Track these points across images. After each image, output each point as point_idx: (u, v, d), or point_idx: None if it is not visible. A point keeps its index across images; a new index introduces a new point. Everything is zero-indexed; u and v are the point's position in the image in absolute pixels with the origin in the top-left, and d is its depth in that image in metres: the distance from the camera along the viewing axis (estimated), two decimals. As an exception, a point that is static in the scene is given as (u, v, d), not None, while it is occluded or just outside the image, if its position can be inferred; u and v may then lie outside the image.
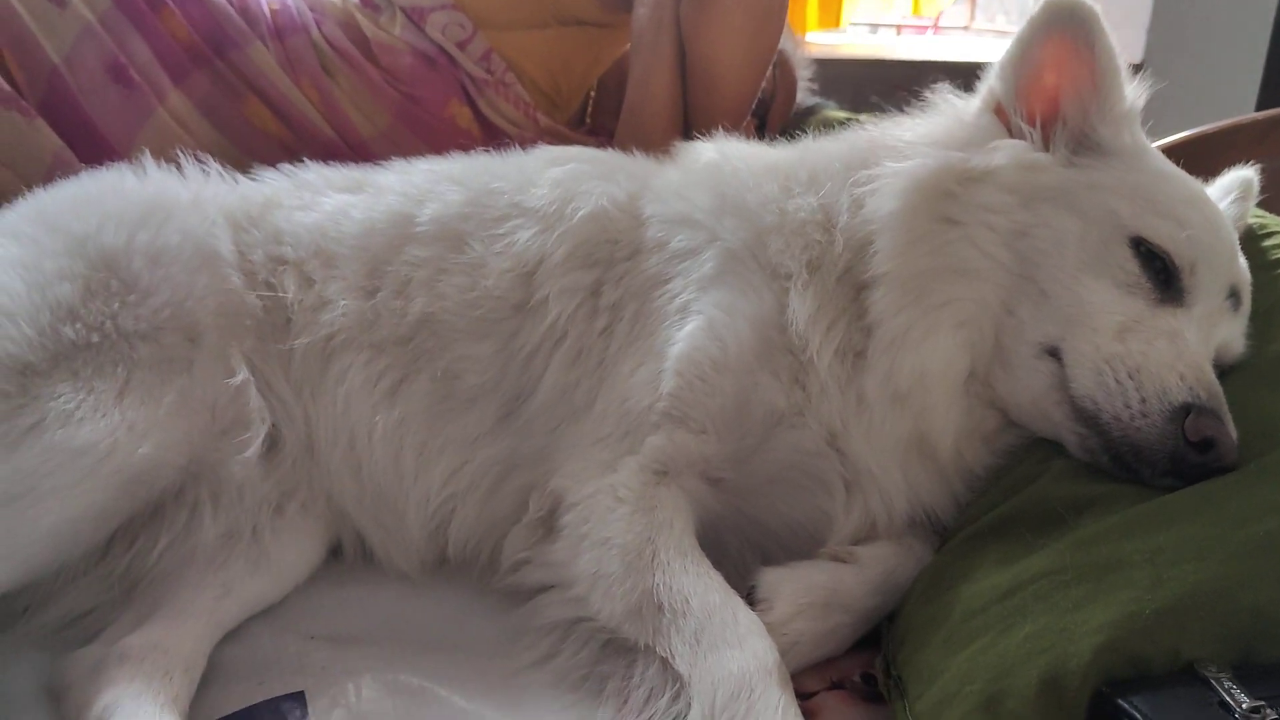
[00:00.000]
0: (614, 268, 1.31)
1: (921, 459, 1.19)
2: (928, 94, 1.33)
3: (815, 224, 1.24)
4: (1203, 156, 1.48)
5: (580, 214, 1.33)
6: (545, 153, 1.48)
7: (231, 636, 1.13)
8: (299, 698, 1.04)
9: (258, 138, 1.93)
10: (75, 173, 1.77)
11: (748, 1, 1.81)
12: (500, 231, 1.33)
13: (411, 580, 1.26)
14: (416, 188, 1.41)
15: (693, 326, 1.21)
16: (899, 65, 3.85)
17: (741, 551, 1.20)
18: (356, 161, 1.83)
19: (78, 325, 1.16)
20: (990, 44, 4.78)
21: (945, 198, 1.18)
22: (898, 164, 1.20)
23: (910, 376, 1.15)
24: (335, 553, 1.28)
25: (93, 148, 1.83)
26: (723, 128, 1.88)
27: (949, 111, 1.28)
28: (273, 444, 1.25)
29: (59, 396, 1.10)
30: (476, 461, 1.27)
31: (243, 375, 1.22)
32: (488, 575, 1.24)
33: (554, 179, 1.38)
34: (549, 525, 1.20)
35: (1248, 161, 1.41)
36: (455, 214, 1.36)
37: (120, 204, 1.29)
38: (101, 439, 1.09)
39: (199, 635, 1.11)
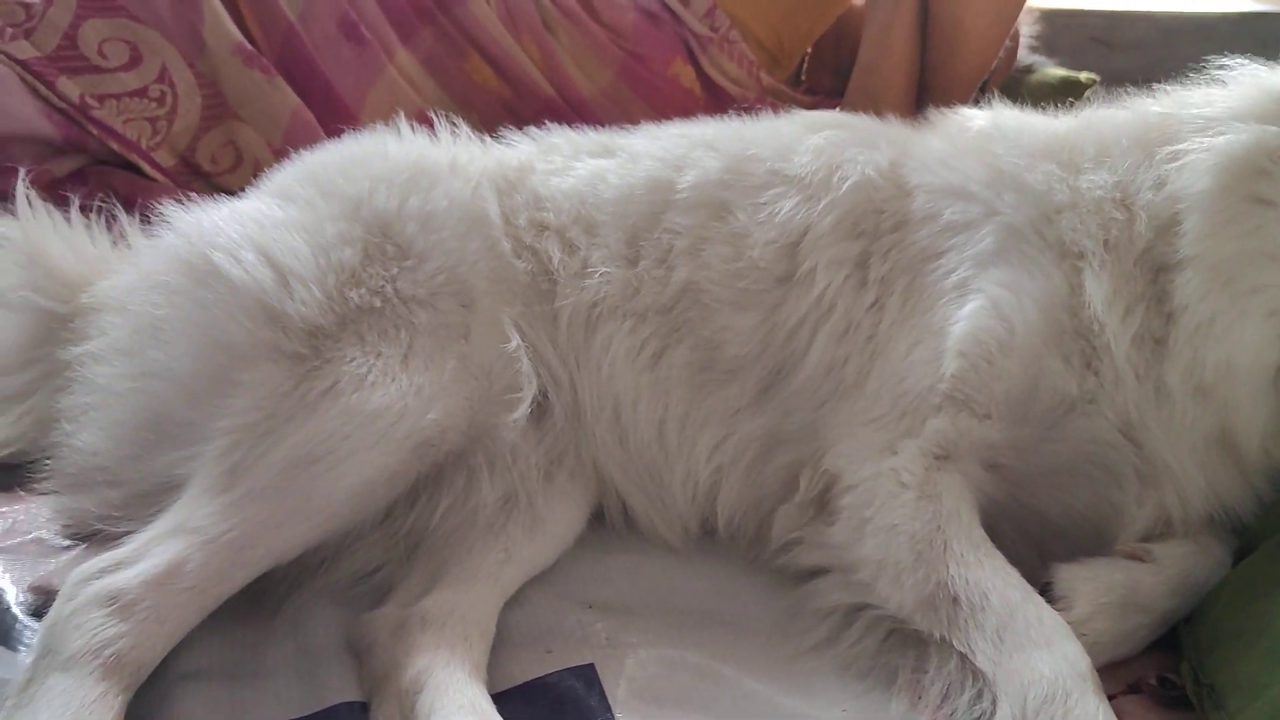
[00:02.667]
0: (880, 239, 1.27)
1: (1223, 455, 1.12)
2: (1220, 62, 1.24)
3: (1112, 201, 1.17)
4: None
5: (847, 183, 1.28)
6: (800, 118, 1.44)
7: (512, 602, 1.15)
8: (589, 671, 1.05)
9: (479, 95, 1.94)
10: (311, 130, 1.83)
11: None
12: (762, 200, 1.30)
13: (676, 551, 1.26)
14: (671, 154, 1.38)
15: (975, 305, 1.16)
16: (1095, 15, 3.64)
17: (1016, 542, 1.16)
18: (577, 120, 1.83)
19: (361, 290, 1.18)
20: (1192, -10, 4.49)
21: (1259, 176, 1.09)
22: (1208, 139, 1.12)
23: (1216, 368, 1.08)
24: (596, 518, 1.28)
25: (326, 105, 1.87)
26: (960, 89, 1.81)
27: (1254, 81, 1.19)
28: (541, 410, 1.26)
29: (350, 360, 1.13)
30: (738, 435, 1.25)
31: (515, 341, 1.23)
32: (755, 550, 1.23)
33: (815, 146, 1.33)
34: (821, 505, 1.17)
35: None
36: (715, 181, 1.33)
37: (387, 168, 1.30)
38: (393, 403, 1.10)
39: (488, 600, 1.12)
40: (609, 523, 1.29)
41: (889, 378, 1.18)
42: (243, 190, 1.80)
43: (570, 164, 1.40)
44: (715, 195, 1.32)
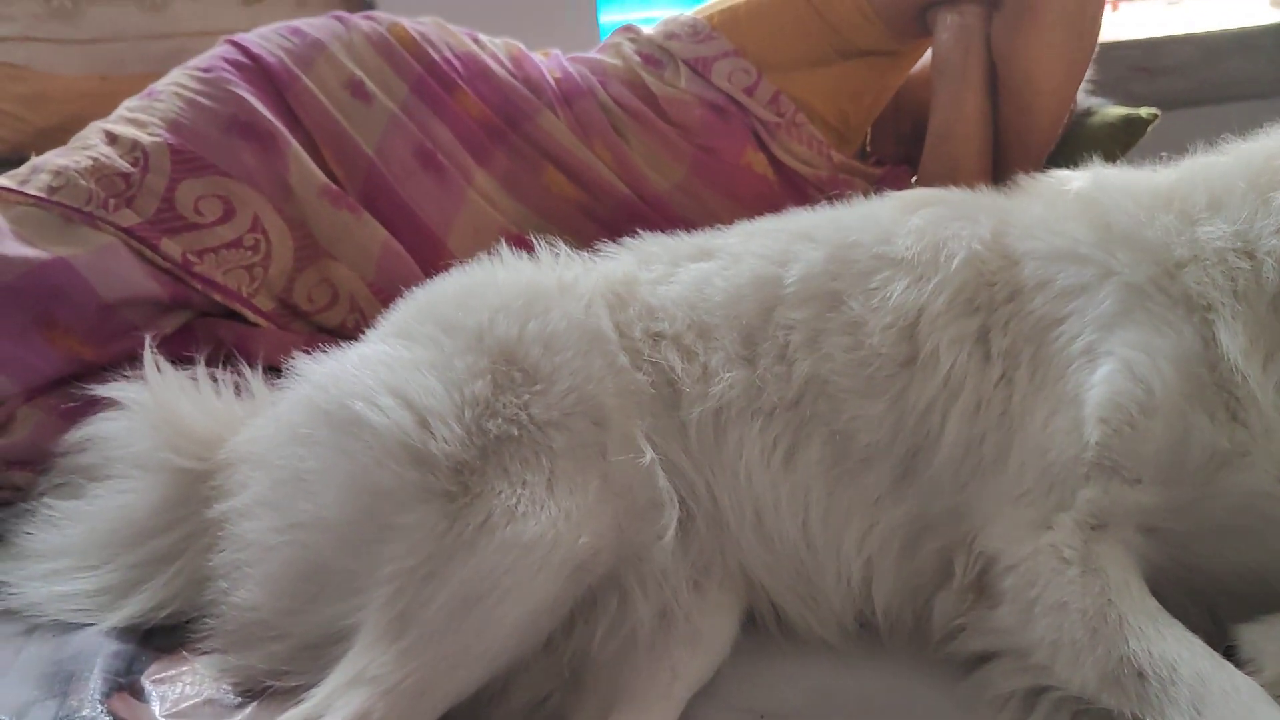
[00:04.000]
0: (996, 312, 1.27)
1: (1393, 494, 1.10)
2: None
3: (1234, 251, 1.16)
4: None
5: (955, 260, 1.29)
6: (894, 199, 1.46)
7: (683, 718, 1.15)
8: (776, 781, 1.04)
9: (557, 204, 1.98)
10: (402, 260, 1.88)
11: (1068, 16, 1.74)
12: (872, 286, 1.31)
13: (835, 649, 1.25)
14: (771, 249, 1.40)
15: (1108, 369, 1.15)
16: (1130, 45, 3.66)
17: (1185, 606, 1.14)
18: (656, 216, 1.86)
19: (497, 420, 1.20)
20: (1223, 8, 4.49)
21: None
22: (1324, 178, 1.12)
23: None
24: (748, 623, 1.28)
25: (413, 234, 1.92)
26: (1038, 147, 1.82)
27: None
28: (683, 522, 1.26)
29: (499, 493, 1.14)
30: (883, 523, 1.25)
31: (650, 454, 1.24)
32: (918, 641, 1.22)
33: (915, 227, 1.35)
34: (980, 589, 1.16)
35: None
36: (821, 272, 1.34)
37: (500, 296, 1.34)
38: (546, 531, 1.12)
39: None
40: (761, 627, 1.28)
41: (1030, 452, 1.18)
42: (342, 325, 1.89)
43: (673, 271, 1.43)
44: (824, 286, 1.33)
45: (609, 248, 1.52)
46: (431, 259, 1.88)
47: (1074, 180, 1.36)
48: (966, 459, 1.22)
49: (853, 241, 1.37)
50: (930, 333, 1.27)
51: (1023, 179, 1.44)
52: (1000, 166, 1.85)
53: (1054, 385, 1.20)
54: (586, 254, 1.52)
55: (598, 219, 1.95)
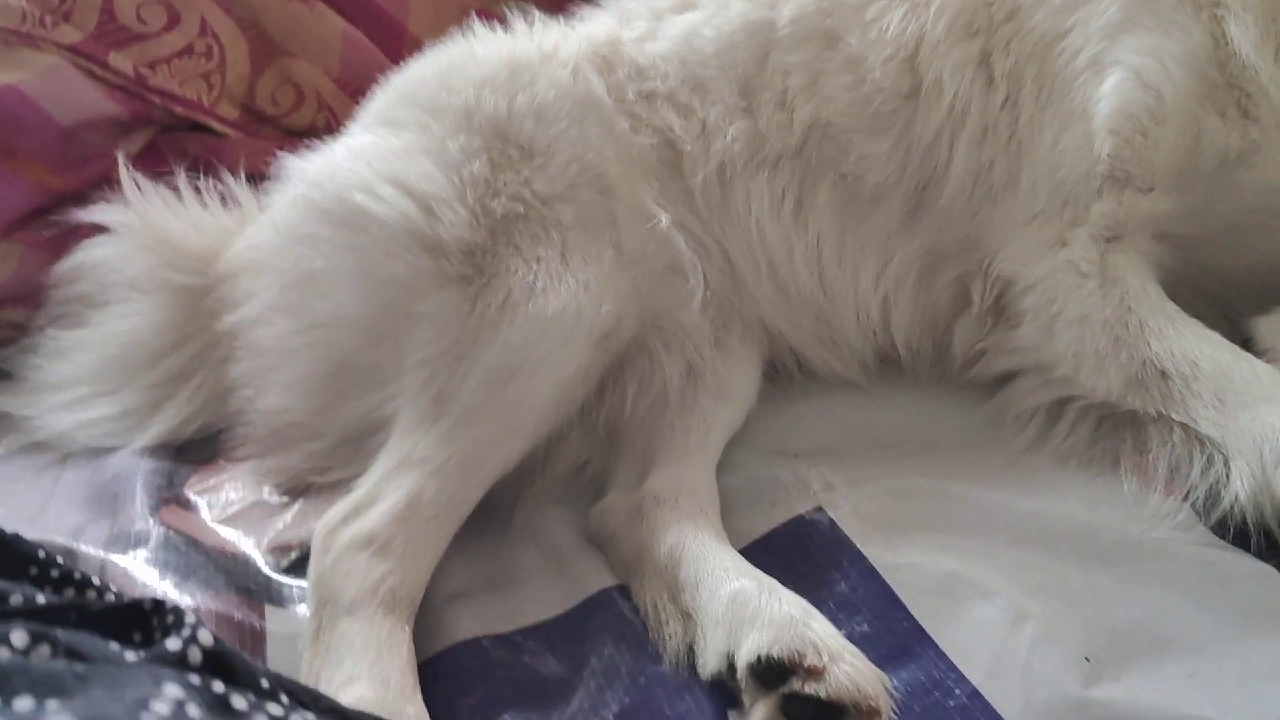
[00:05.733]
0: (996, 33, 1.23)
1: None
2: None
3: (1245, -59, 1.12)
4: None
5: None
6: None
7: (721, 468, 1.18)
8: (820, 514, 1.08)
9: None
10: (366, 50, 1.80)
11: None
12: (869, 18, 1.26)
13: (859, 387, 1.28)
14: (758, -9, 1.34)
15: (1116, 79, 1.13)
16: None
17: (1199, 306, 1.16)
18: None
19: (500, 198, 1.18)
20: None
21: None
22: None
23: None
24: (770, 372, 1.30)
25: (371, 21, 1.83)
26: None
27: None
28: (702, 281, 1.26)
29: (515, 271, 1.13)
30: (897, 259, 1.25)
31: (663, 217, 1.23)
32: (938, 370, 1.25)
33: (908, -50, 1.28)
34: (998, 312, 1.18)
35: None
36: (814, 10, 1.29)
37: (482, 71, 1.28)
38: (568, 303, 1.12)
39: (706, 470, 1.16)
40: (784, 374, 1.30)
41: (1041, 172, 1.17)
42: (313, 126, 1.82)
43: (656, 26, 1.37)
44: (819, 25, 1.28)
45: (584, 9, 1.45)
46: (395, 47, 1.79)
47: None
48: (977, 186, 1.22)
49: (844, -26, 1.31)
50: (931, 61, 1.23)
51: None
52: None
53: (1061, 102, 1.18)
54: (562, 19, 1.45)
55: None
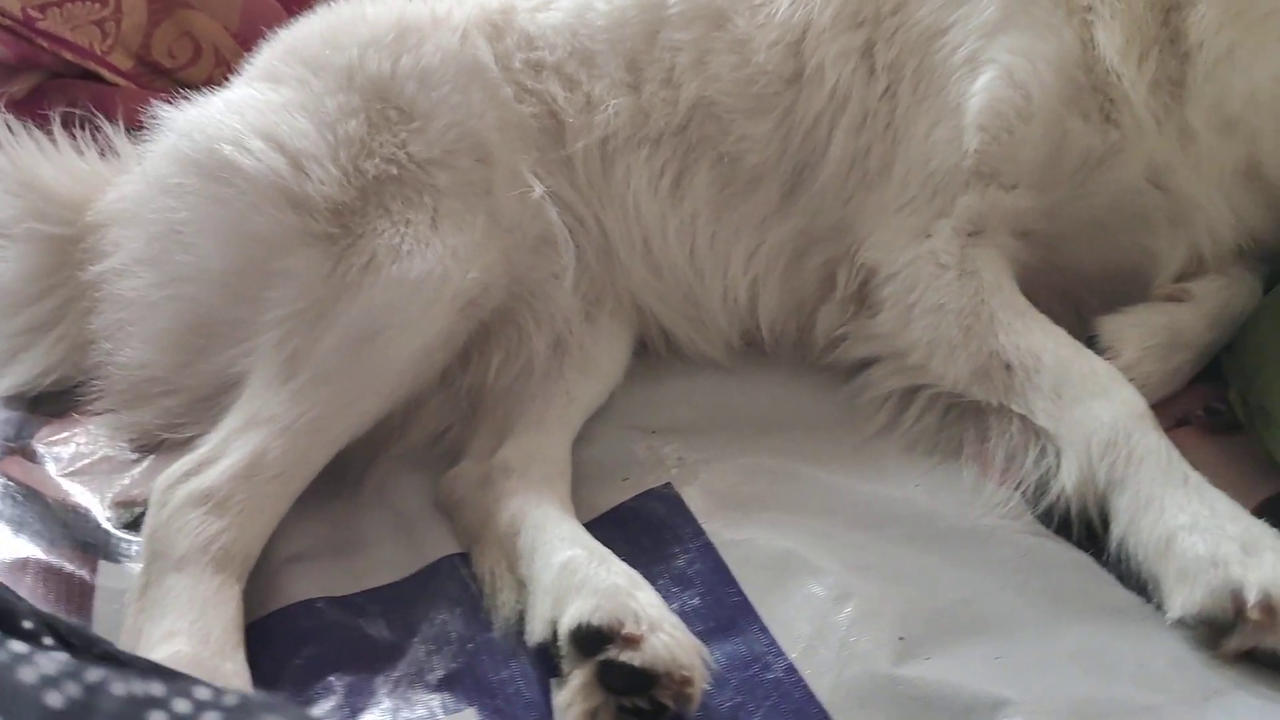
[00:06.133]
0: (882, 24, 1.24)
1: (1249, 186, 1.14)
2: None
3: (1116, -52, 1.14)
4: None
5: None
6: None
7: (579, 441, 1.18)
8: (668, 489, 1.09)
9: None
10: (268, 5, 1.76)
11: None
12: (758, 2, 1.27)
13: (724, 367, 1.28)
14: (655, -31, 1.33)
15: (989, 77, 1.15)
16: None
17: (1055, 304, 1.18)
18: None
19: (375, 160, 1.17)
20: None
21: None
22: None
23: (1241, 99, 1.09)
24: (640, 349, 1.31)
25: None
26: None
27: None
28: (576, 255, 1.26)
29: (381, 233, 1.12)
30: (770, 242, 1.26)
31: (538, 188, 1.22)
32: (801, 353, 1.26)
33: (803, -63, 1.29)
34: (861, 299, 1.20)
35: None
36: None
37: (371, 31, 1.27)
38: (433, 268, 1.11)
39: (561, 441, 1.16)
40: (653, 351, 1.31)
41: (914, 162, 1.18)
42: (209, 82, 1.78)
43: (551, -3, 1.36)
44: (710, 5, 1.29)
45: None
46: (302, 5, 1.76)
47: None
48: (852, 172, 1.23)
49: (739, -43, 1.31)
50: (816, 47, 1.24)
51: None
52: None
53: (937, 96, 1.19)
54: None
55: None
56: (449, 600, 0.99)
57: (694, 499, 1.08)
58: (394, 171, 1.16)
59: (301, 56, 1.27)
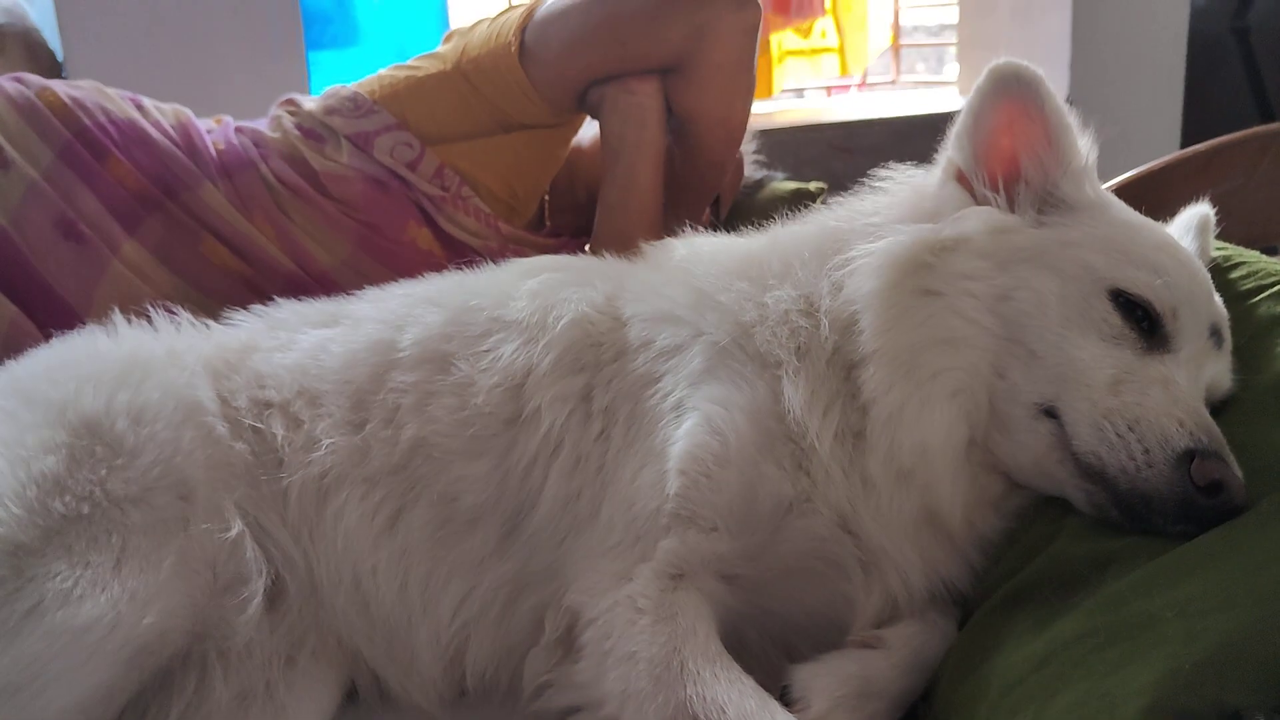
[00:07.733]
0: (601, 371, 1.31)
1: (934, 533, 1.19)
2: (882, 172, 1.36)
3: (798, 311, 1.25)
4: (1148, 194, 1.53)
5: (562, 322, 1.33)
6: (517, 265, 1.49)
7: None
8: None
9: (218, 276, 1.92)
10: (33, 340, 1.76)
11: (740, 55, 1.85)
12: (484, 348, 1.33)
13: (434, 716, 1.22)
14: (394, 314, 1.40)
15: (691, 424, 1.20)
16: (833, 127, 3.95)
17: (763, 646, 1.19)
18: (321, 292, 1.83)
19: (66, 498, 1.13)
20: (916, 96, 4.94)
21: (922, 270, 1.19)
22: (871, 244, 1.22)
23: (912, 452, 1.16)
24: (350, 695, 1.24)
25: (50, 309, 1.81)
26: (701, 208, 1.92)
27: (910, 185, 1.31)
28: (276, 594, 1.22)
29: (55, 575, 1.07)
30: (484, 585, 1.24)
31: (238, 527, 1.20)
32: (511, 703, 1.21)
33: (531, 290, 1.38)
34: (568, 644, 1.17)
35: (1194, 196, 1.45)
36: (437, 335, 1.35)
37: (96, 366, 1.28)
38: (104, 614, 1.06)
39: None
40: (362, 698, 1.24)
41: (619, 505, 1.21)
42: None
43: (294, 338, 1.41)
44: (437, 349, 1.34)
45: (241, 315, 1.48)
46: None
47: (678, 247, 1.43)
48: (565, 515, 1.24)
49: (473, 305, 1.39)
50: (535, 391, 1.29)
51: (644, 247, 1.50)
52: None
53: (645, 440, 1.24)
54: (213, 323, 1.47)
55: (262, 292, 1.88)
56: None
57: None
58: (85, 510, 1.13)
59: (20, 389, 1.27)
